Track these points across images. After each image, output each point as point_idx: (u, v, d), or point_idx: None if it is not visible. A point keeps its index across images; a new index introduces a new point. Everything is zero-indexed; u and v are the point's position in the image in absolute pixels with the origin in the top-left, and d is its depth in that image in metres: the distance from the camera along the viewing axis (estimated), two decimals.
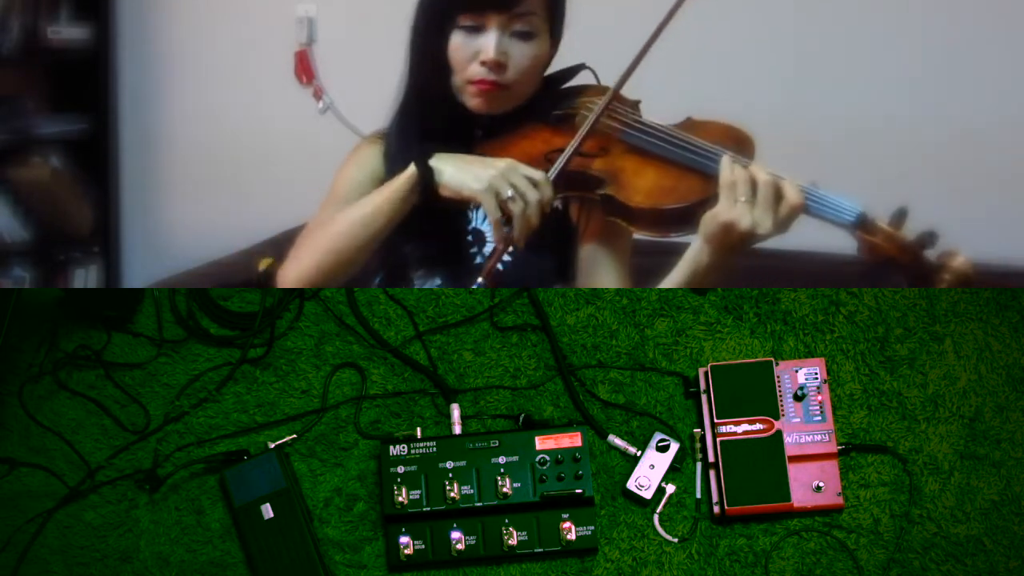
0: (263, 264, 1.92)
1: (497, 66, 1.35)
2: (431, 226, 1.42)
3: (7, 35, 2.18)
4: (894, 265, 1.20)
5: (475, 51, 1.36)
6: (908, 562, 1.59)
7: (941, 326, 1.69)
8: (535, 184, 1.29)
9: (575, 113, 1.40)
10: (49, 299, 1.83)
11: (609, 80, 1.40)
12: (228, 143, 2.36)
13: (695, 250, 1.25)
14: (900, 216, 1.21)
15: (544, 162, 1.34)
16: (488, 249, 1.42)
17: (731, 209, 1.21)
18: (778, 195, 1.21)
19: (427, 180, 1.32)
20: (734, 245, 1.22)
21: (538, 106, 1.43)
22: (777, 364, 1.63)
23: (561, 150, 1.34)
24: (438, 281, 1.43)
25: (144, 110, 2.37)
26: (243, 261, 2.03)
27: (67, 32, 2.23)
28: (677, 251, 1.79)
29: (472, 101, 1.39)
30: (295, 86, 2.31)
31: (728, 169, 1.23)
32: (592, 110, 1.37)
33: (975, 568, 1.58)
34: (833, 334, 1.69)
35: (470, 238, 1.43)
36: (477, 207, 1.41)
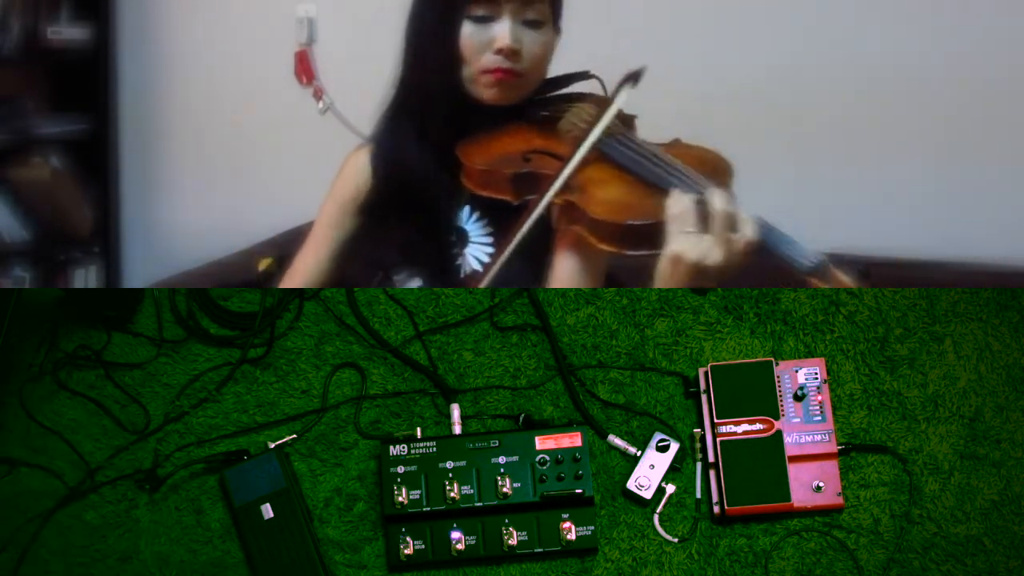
0: (263, 264, 1.93)
1: (513, 53, 1.34)
2: (414, 224, 1.42)
3: (7, 35, 2.18)
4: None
5: (488, 40, 1.35)
6: (908, 562, 1.59)
7: (941, 326, 1.69)
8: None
9: (560, 116, 1.39)
10: (49, 299, 1.83)
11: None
12: (228, 143, 2.36)
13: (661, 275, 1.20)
14: (864, 273, 1.14)
15: (521, 161, 1.32)
16: (471, 250, 1.41)
17: (678, 241, 1.16)
18: (731, 226, 1.15)
19: None
20: (684, 281, 1.16)
21: (529, 106, 1.42)
22: (777, 364, 1.63)
23: (539, 151, 1.32)
24: (419, 281, 1.42)
25: (144, 110, 2.37)
26: (243, 261, 2.03)
27: (67, 32, 2.23)
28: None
29: (487, 92, 1.37)
30: (295, 86, 2.31)
31: (674, 201, 1.18)
32: (577, 118, 1.36)
33: (975, 568, 1.58)
34: (833, 334, 1.69)
35: (453, 237, 1.42)
36: (463, 206, 1.41)
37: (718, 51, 1.97)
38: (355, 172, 1.47)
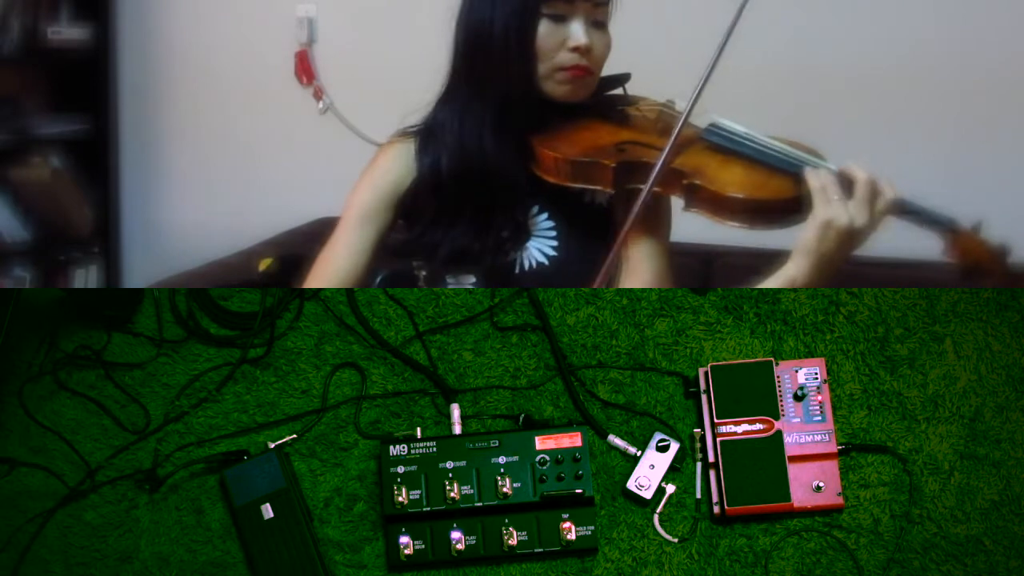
0: (263, 264, 1.93)
1: (588, 52, 1.39)
2: (471, 219, 1.42)
3: (7, 35, 2.19)
4: (982, 271, 1.25)
5: (563, 39, 1.38)
6: (908, 562, 1.59)
7: (941, 326, 1.69)
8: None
9: (639, 113, 1.44)
10: (49, 299, 1.83)
11: (666, 90, 1.45)
12: (228, 143, 2.36)
13: (791, 266, 1.27)
14: (977, 227, 1.26)
15: (615, 152, 1.37)
16: (534, 243, 1.43)
17: (827, 208, 1.24)
18: (874, 192, 1.24)
19: None
20: (831, 250, 1.24)
21: (600, 102, 1.46)
22: (777, 364, 1.63)
23: (631, 142, 1.37)
24: (472, 280, 1.43)
25: (144, 110, 2.37)
26: (243, 261, 2.03)
27: (67, 32, 2.23)
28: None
29: (560, 88, 1.40)
30: (295, 86, 2.31)
31: (814, 176, 1.26)
32: (654, 112, 1.42)
33: (975, 568, 1.58)
34: (833, 334, 1.69)
35: (505, 233, 1.43)
36: (532, 204, 1.43)
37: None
38: (395, 164, 1.46)
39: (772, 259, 1.77)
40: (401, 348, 1.74)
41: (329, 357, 1.75)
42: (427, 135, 1.45)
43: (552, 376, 1.71)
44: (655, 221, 1.42)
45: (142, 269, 2.40)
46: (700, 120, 1.40)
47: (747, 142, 1.36)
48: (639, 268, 1.41)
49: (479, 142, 1.41)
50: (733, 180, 1.31)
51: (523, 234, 1.43)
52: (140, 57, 2.35)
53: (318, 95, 2.30)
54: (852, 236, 1.23)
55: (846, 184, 1.24)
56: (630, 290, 1.73)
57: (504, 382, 1.71)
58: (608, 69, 1.44)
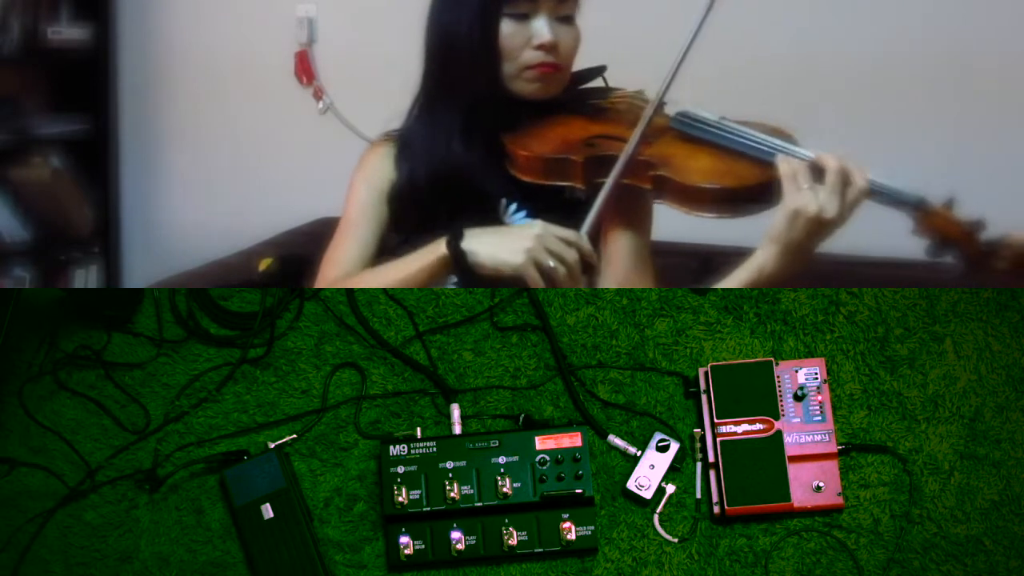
0: (263, 264, 1.93)
1: (554, 48, 1.38)
2: (457, 215, 1.41)
3: (7, 35, 2.18)
4: (952, 246, 1.24)
5: (528, 37, 1.37)
6: (908, 562, 1.59)
7: (941, 326, 1.69)
8: (571, 244, 1.30)
9: (608, 104, 1.43)
10: (49, 299, 1.83)
11: (639, 79, 1.44)
12: (228, 143, 2.36)
13: (759, 254, 1.26)
14: (950, 203, 1.24)
15: (585, 147, 1.36)
16: None
17: (796, 196, 1.23)
18: (845, 180, 1.23)
19: (462, 263, 1.32)
20: (800, 239, 1.23)
21: (572, 97, 1.45)
22: (777, 364, 1.63)
23: (601, 136, 1.37)
24: (454, 279, 1.43)
25: (144, 110, 2.37)
26: (243, 261, 2.03)
27: (67, 32, 2.23)
28: (698, 252, 1.79)
29: (529, 87, 1.40)
30: (295, 86, 2.31)
31: (785, 163, 1.25)
32: (624, 104, 1.40)
33: (975, 568, 1.58)
34: (833, 334, 1.69)
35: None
36: (510, 202, 1.42)
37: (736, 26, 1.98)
38: (383, 163, 1.47)
39: None
40: (401, 348, 1.74)
41: (329, 357, 1.75)
42: (403, 145, 1.46)
43: (552, 376, 1.71)
44: (633, 216, 1.41)
45: (142, 269, 2.39)
46: (673, 109, 1.38)
47: (715, 130, 1.35)
48: (615, 263, 1.40)
49: (447, 149, 1.41)
50: (700, 169, 1.30)
51: None
52: (140, 57, 2.35)
53: (318, 95, 2.30)
54: (822, 225, 1.22)
55: (818, 172, 1.23)
56: (630, 290, 1.73)
57: (504, 382, 1.71)
58: (595, 61, 1.43)
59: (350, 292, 1.77)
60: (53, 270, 2.28)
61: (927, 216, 1.24)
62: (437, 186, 1.42)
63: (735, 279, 1.28)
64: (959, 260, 1.25)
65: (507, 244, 1.31)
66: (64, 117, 2.27)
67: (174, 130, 2.38)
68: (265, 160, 2.33)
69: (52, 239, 2.28)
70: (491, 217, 1.43)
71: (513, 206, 1.43)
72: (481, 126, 1.41)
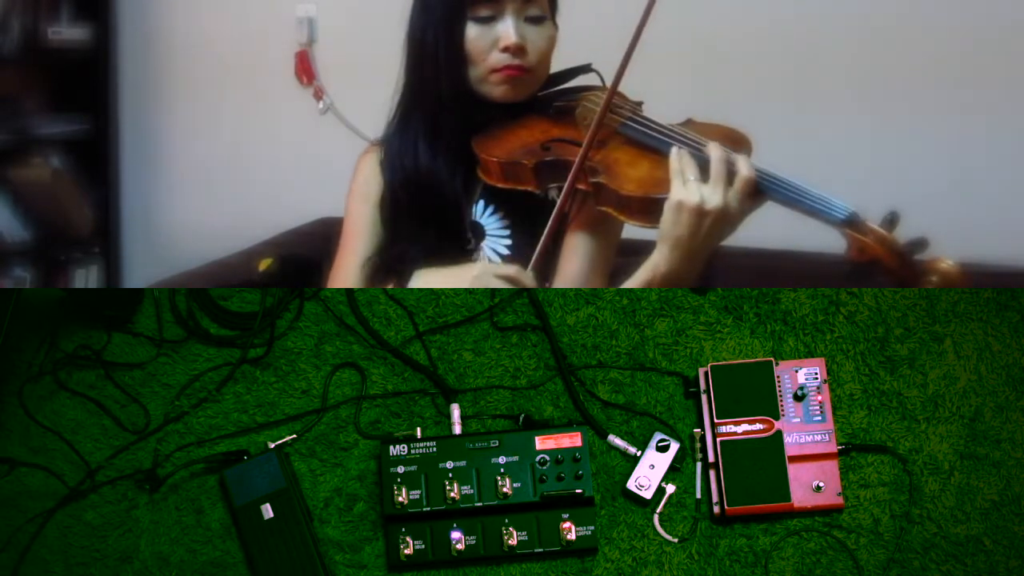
0: (263, 264, 1.92)
1: (520, 50, 1.37)
2: (430, 221, 1.42)
3: (7, 35, 2.18)
4: (880, 266, 1.19)
5: (494, 39, 1.37)
6: (908, 562, 1.59)
7: (941, 326, 1.69)
8: (513, 281, 1.29)
9: (576, 105, 1.41)
10: (49, 299, 1.83)
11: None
12: (228, 143, 2.36)
13: (654, 254, 1.25)
14: (892, 220, 1.20)
15: (540, 150, 1.35)
16: (488, 243, 1.43)
17: (680, 189, 1.21)
18: (730, 170, 1.21)
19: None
20: (686, 234, 1.21)
21: (539, 99, 1.44)
22: (777, 364, 1.63)
23: (557, 139, 1.35)
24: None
25: (144, 110, 2.37)
26: (243, 261, 2.03)
27: (67, 32, 2.23)
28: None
29: (497, 90, 1.39)
30: (295, 86, 2.31)
31: (675, 156, 1.23)
32: (593, 104, 1.38)
33: (975, 568, 1.58)
34: (833, 334, 1.69)
35: (468, 234, 1.43)
36: (477, 201, 1.42)
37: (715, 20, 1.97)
38: (372, 171, 1.48)
39: (774, 258, 1.77)
40: (401, 348, 1.74)
41: (329, 357, 1.75)
42: (385, 151, 1.47)
43: (552, 376, 1.71)
44: (596, 220, 1.39)
45: (142, 269, 2.39)
46: (648, 110, 1.37)
47: (656, 135, 1.33)
48: (566, 264, 1.39)
49: (414, 156, 1.42)
50: (635, 177, 1.28)
51: (481, 235, 1.43)
52: (140, 57, 2.35)
53: (318, 95, 2.30)
54: (704, 216, 1.20)
55: (704, 166, 1.21)
56: (630, 290, 1.73)
57: (504, 382, 1.71)
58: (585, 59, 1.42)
59: (350, 292, 1.77)
60: (53, 270, 2.28)
61: (859, 233, 1.19)
62: (409, 192, 1.43)
63: (635, 280, 1.28)
64: (886, 279, 1.20)
65: (450, 283, 1.34)
66: (64, 117, 2.27)
67: (174, 130, 2.37)
68: (265, 160, 2.33)
69: (52, 239, 2.28)
70: (468, 219, 1.43)
71: (481, 204, 1.44)
72: (452, 130, 1.41)
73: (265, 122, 2.32)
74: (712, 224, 1.21)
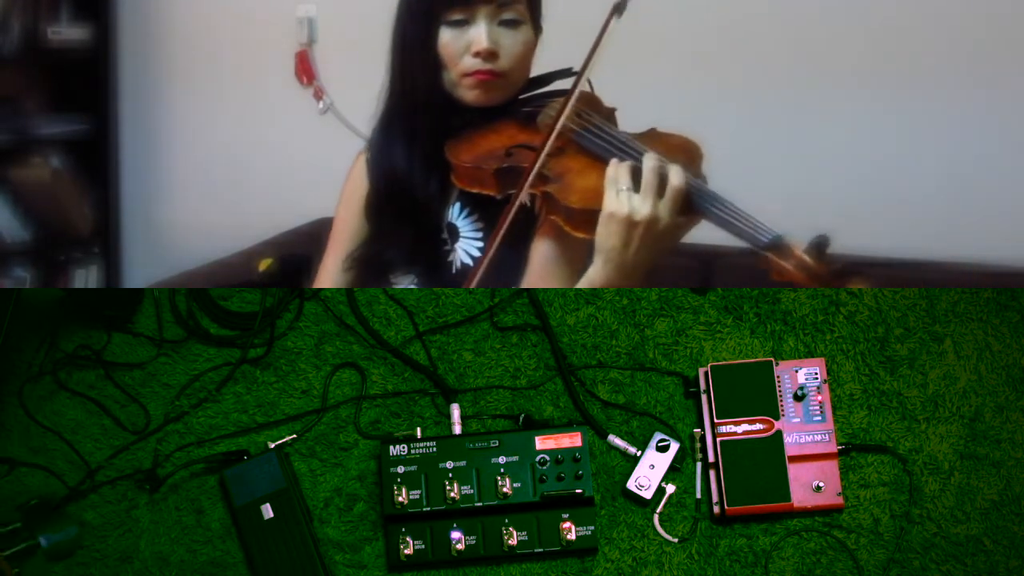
0: (263, 264, 1.92)
1: (491, 55, 1.37)
2: (408, 221, 1.43)
3: (7, 35, 2.18)
4: (795, 285, 1.15)
5: (466, 44, 1.37)
6: (908, 562, 1.59)
7: (941, 326, 1.69)
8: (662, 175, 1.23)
9: (543, 111, 1.41)
10: (49, 299, 1.83)
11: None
12: (228, 143, 2.36)
13: (590, 268, 1.24)
14: (819, 244, 1.14)
15: (504, 156, 1.35)
16: (461, 244, 1.42)
17: (612, 201, 1.20)
18: (661, 180, 1.19)
19: None
20: (618, 246, 1.19)
21: (516, 103, 1.44)
22: (777, 364, 1.63)
23: (522, 145, 1.35)
24: (412, 279, 1.44)
25: (144, 110, 2.37)
26: (243, 261, 2.03)
27: (67, 32, 2.23)
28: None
29: (469, 94, 1.39)
30: (295, 87, 2.31)
31: (612, 167, 1.22)
32: (554, 110, 1.37)
33: (975, 568, 1.58)
34: (833, 334, 1.69)
35: (444, 235, 1.44)
36: (454, 203, 1.43)
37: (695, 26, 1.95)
38: (360, 175, 1.50)
39: None
40: (401, 348, 1.74)
41: (329, 357, 1.75)
42: (372, 148, 1.48)
43: (552, 376, 1.71)
44: (559, 227, 1.36)
45: (142, 269, 2.39)
46: (622, 117, 1.37)
47: (606, 144, 1.31)
48: (531, 264, 1.37)
49: (394, 157, 1.43)
50: (580, 187, 1.27)
51: (456, 236, 1.43)
52: (140, 57, 2.35)
53: (318, 95, 2.30)
54: (635, 228, 1.19)
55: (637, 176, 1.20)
56: (630, 290, 1.73)
57: (504, 382, 1.71)
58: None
59: (350, 292, 1.77)
60: (53, 270, 2.28)
61: (781, 258, 1.14)
62: (387, 193, 1.44)
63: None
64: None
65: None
66: (64, 117, 2.27)
67: (174, 130, 2.37)
68: (265, 160, 2.33)
69: (52, 239, 2.28)
70: (443, 220, 1.43)
71: (457, 206, 1.44)
72: (429, 133, 1.42)
73: (265, 122, 2.32)
74: (643, 235, 1.19)
